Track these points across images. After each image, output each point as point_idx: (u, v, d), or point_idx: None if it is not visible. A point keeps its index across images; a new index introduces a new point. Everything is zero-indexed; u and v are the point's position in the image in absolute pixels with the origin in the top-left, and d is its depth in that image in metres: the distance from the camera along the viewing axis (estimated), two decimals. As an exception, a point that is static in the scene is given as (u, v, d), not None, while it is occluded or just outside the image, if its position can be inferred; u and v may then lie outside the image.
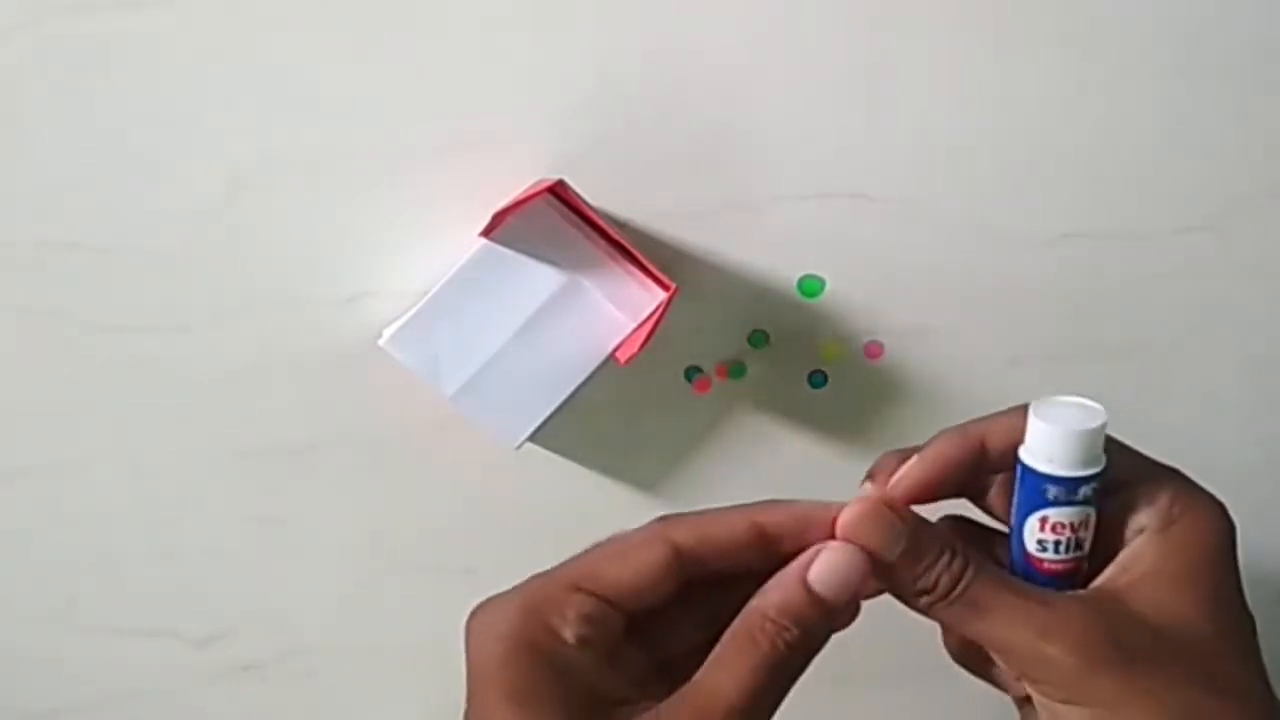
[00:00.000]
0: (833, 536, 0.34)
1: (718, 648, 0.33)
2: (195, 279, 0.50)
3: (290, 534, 0.54)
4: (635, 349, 0.46)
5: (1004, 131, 0.50)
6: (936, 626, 0.36)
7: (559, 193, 0.46)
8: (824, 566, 0.33)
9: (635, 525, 0.36)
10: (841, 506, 0.34)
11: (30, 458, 0.52)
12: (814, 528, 0.34)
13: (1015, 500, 0.35)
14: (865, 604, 0.36)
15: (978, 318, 0.52)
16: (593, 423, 0.53)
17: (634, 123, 0.49)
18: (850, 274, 0.51)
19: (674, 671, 0.33)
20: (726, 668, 0.32)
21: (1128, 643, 0.32)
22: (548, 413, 0.48)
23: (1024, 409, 0.34)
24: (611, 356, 0.48)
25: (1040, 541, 0.34)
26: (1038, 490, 0.34)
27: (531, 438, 0.48)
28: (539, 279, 0.48)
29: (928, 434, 0.36)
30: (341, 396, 0.52)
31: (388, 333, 0.48)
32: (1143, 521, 0.34)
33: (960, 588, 0.33)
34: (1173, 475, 0.35)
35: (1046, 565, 0.34)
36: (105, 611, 0.54)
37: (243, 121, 0.48)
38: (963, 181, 0.51)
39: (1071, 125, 0.50)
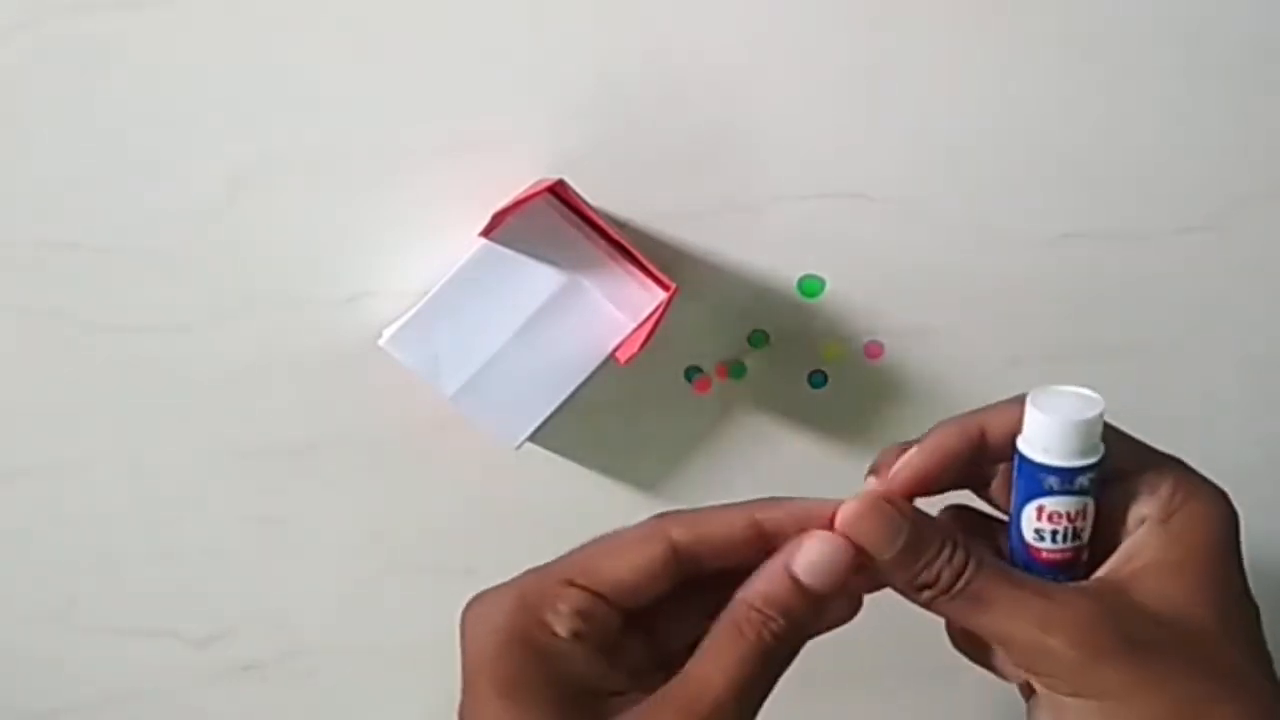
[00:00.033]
0: None
1: (705, 639, 0.33)
2: (195, 279, 0.50)
3: (290, 534, 0.54)
4: (635, 349, 0.46)
5: (1004, 131, 0.50)
6: (934, 628, 0.36)
7: (559, 193, 0.46)
8: (808, 556, 0.33)
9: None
10: (838, 504, 0.34)
11: (30, 458, 0.52)
12: (812, 525, 0.34)
13: (1013, 489, 0.35)
14: (864, 603, 0.36)
15: (978, 318, 0.52)
16: (593, 423, 0.53)
17: (634, 123, 0.49)
18: (850, 274, 0.52)
19: (674, 665, 0.33)
20: (713, 659, 0.32)
21: (1130, 634, 0.32)
22: (548, 413, 0.48)
23: (1024, 398, 0.34)
24: (611, 356, 0.48)
25: (1038, 531, 0.34)
26: (1035, 480, 0.34)
27: (531, 438, 0.48)
28: (539, 279, 0.48)
29: (928, 434, 0.36)
30: (341, 396, 0.52)
31: (388, 333, 0.48)
32: (1144, 511, 0.34)
33: (962, 582, 0.33)
34: (1174, 464, 0.35)
35: (1044, 555, 0.34)
36: (105, 611, 0.54)
37: (243, 121, 0.48)
38: (963, 181, 0.51)
39: (1071, 125, 0.50)
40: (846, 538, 0.34)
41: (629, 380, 0.51)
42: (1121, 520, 0.35)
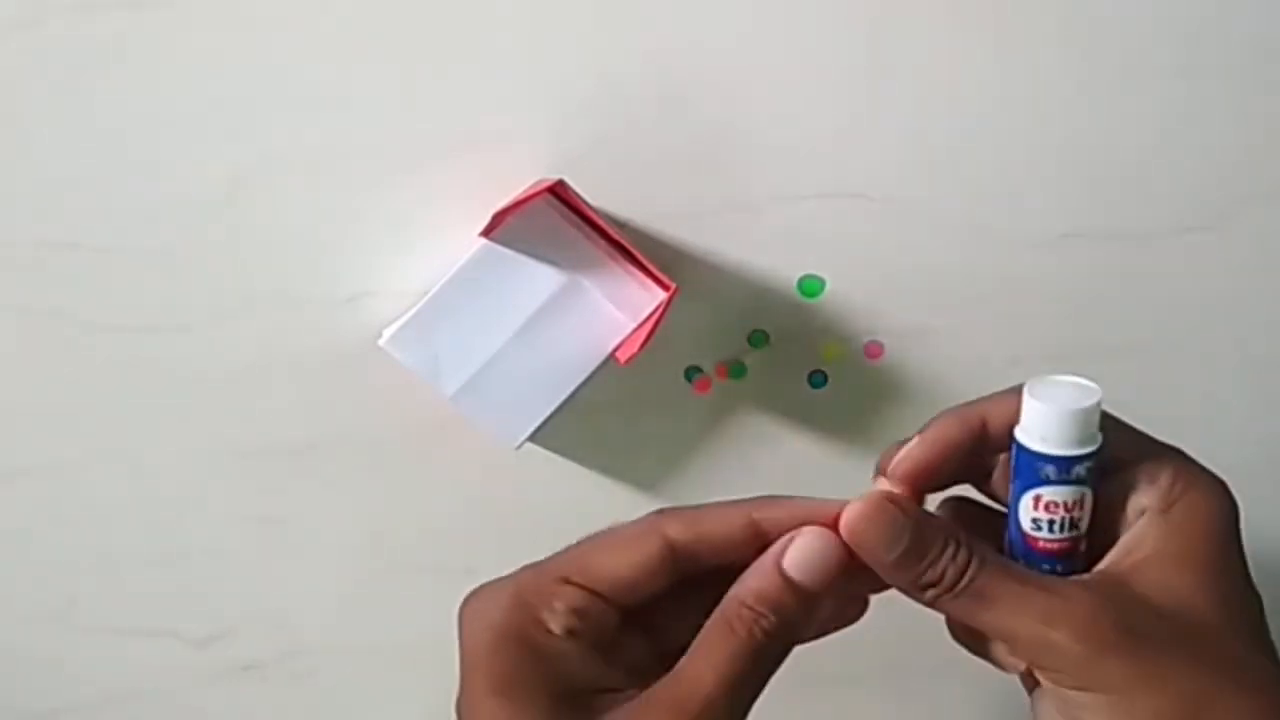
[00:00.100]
0: None
1: (697, 637, 0.33)
2: (195, 279, 0.50)
3: (290, 534, 0.54)
4: (635, 349, 0.46)
5: (1004, 131, 0.50)
6: (934, 627, 0.36)
7: (559, 193, 0.46)
8: (799, 552, 0.33)
9: (634, 524, 0.36)
10: (837, 504, 0.34)
11: (30, 458, 0.52)
12: (811, 524, 0.34)
13: (1011, 479, 0.35)
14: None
15: (978, 318, 0.52)
16: (593, 423, 0.53)
17: (634, 123, 0.49)
18: (850, 274, 0.51)
19: (673, 663, 0.33)
20: (704, 657, 0.32)
21: (1134, 627, 0.32)
22: (548, 413, 0.48)
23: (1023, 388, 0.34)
24: (611, 356, 0.48)
25: (1035, 520, 0.34)
26: (1032, 469, 0.34)
27: (531, 438, 0.48)
28: (539, 279, 0.48)
29: (928, 434, 0.36)
30: (341, 396, 0.52)
31: (388, 333, 0.48)
32: (1144, 502, 0.34)
33: (965, 580, 0.33)
34: (1173, 454, 0.35)
35: (1042, 544, 0.34)
36: (105, 611, 0.54)
37: (243, 121, 0.48)
38: (963, 181, 0.51)
39: (1071, 125, 0.50)
40: (846, 539, 0.34)
41: (629, 380, 0.51)
42: (1121, 510, 0.35)
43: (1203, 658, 0.32)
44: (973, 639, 0.36)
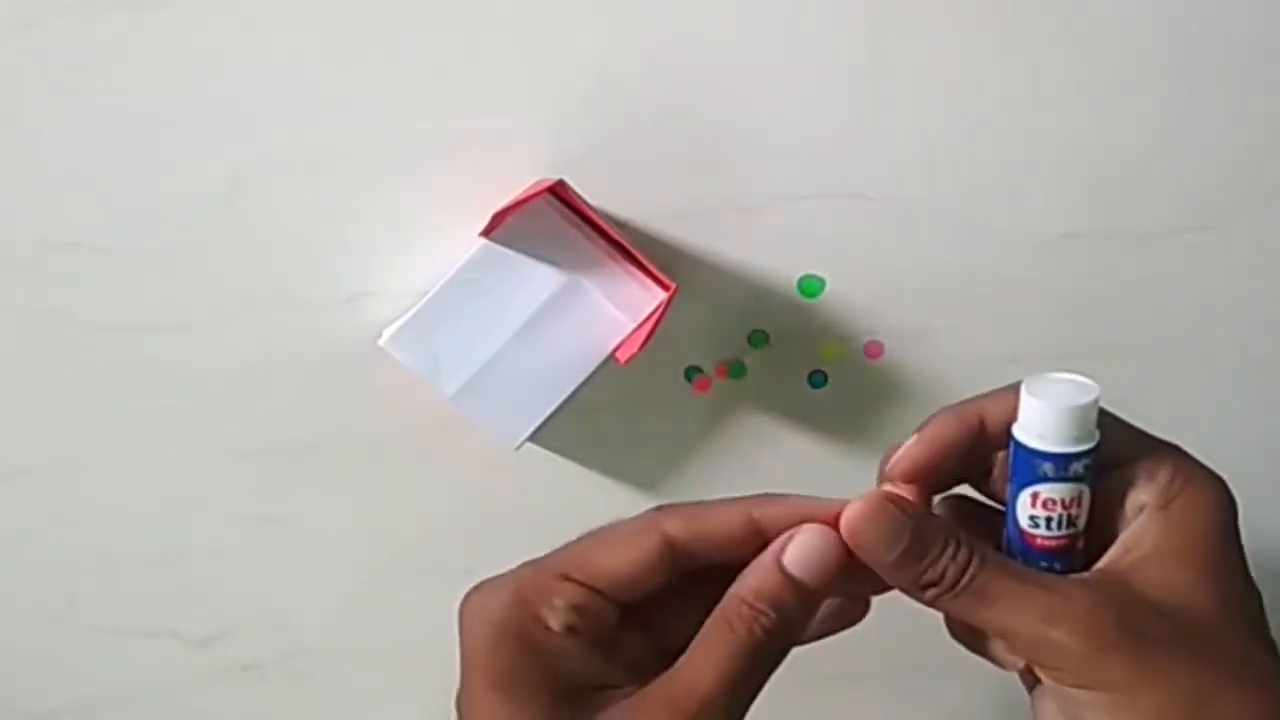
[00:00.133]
0: None
1: (697, 636, 0.33)
2: (195, 279, 0.50)
3: (290, 534, 0.54)
4: (635, 349, 0.46)
5: (1004, 131, 0.50)
6: (934, 626, 0.36)
7: (559, 193, 0.46)
8: (799, 549, 0.33)
9: (634, 524, 0.36)
10: (837, 503, 0.34)
11: (30, 458, 0.52)
12: (810, 523, 0.34)
13: (1009, 476, 0.35)
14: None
15: (978, 318, 0.52)
16: (593, 423, 0.53)
17: (634, 123, 0.49)
18: (850, 274, 0.51)
19: (673, 660, 0.33)
20: (704, 655, 0.33)
21: (1135, 624, 0.32)
22: (548, 413, 0.48)
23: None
24: (611, 356, 0.48)
25: (1032, 517, 0.34)
26: (1029, 466, 0.34)
27: (531, 438, 0.48)
28: (539, 279, 0.48)
29: (928, 434, 0.36)
30: (341, 396, 0.52)
31: (388, 333, 0.48)
32: (1142, 498, 0.34)
33: (966, 579, 0.33)
34: (1171, 450, 0.35)
35: (1039, 541, 0.34)
36: (105, 611, 0.54)
37: (243, 121, 0.48)
38: (963, 181, 0.51)
39: (1071, 125, 0.50)
40: (847, 539, 0.34)
41: (629, 380, 0.51)
42: (1120, 507, 0.35)
43: (1204, 654, 0.32)
44: (972, 637, 0.36)
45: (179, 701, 0.56)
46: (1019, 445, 0.34)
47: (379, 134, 0.48)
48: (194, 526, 0.53)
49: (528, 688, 0.33)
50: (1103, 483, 0.34)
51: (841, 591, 0.36)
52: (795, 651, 0.34)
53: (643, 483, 0.54)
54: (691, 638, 0.33)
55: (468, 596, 0.35)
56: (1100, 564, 0.34)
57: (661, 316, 0.46)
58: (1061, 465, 0.33)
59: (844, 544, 0.34)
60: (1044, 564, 0.34)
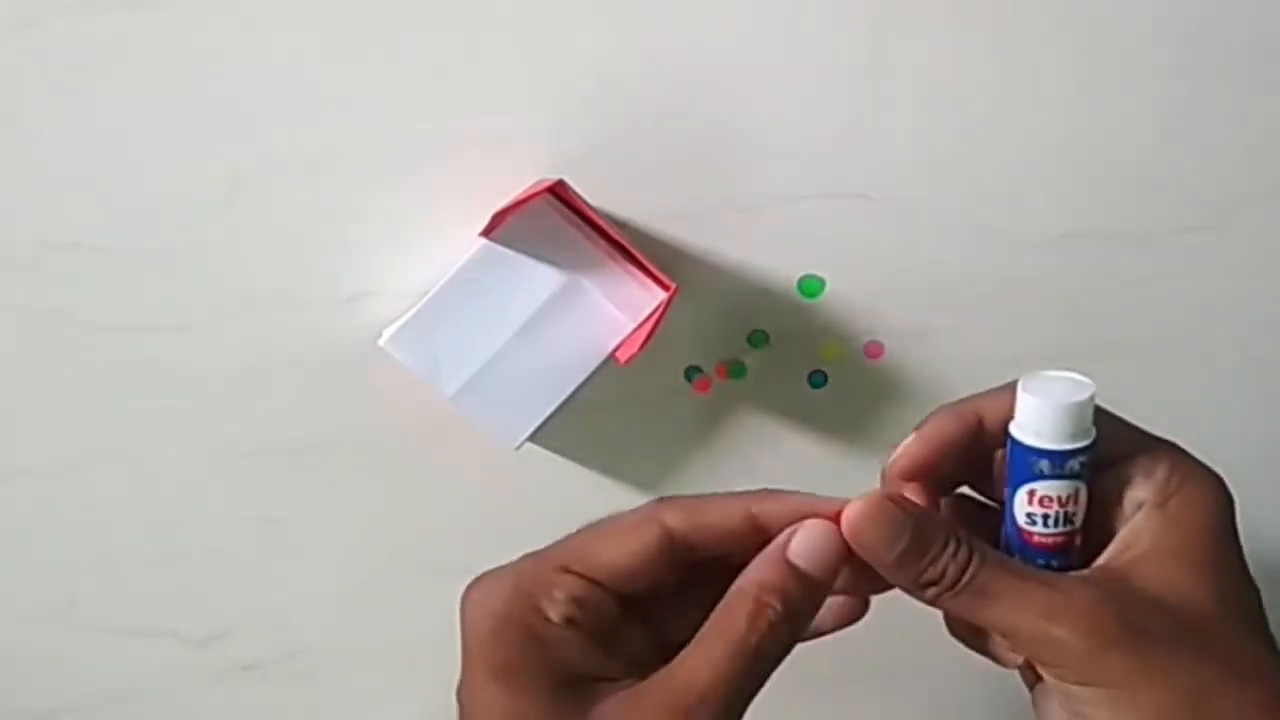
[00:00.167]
0: None
1: (701, 629, 0.33)
2: (195, 279, 0.50)
3: (290, 534, 0.54)
4: (635, 349, 0.46)
5: (1004, 131, 0.50)
6: (934, 626, 0.36)
7: (559, 193, 0.46)
8: (804, 543, 0.34)
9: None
10: (837, 501, 0.34)
11: (30, 458, 0.52)
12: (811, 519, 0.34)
13: (1006, 474, 0.35)
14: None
15: (978, 318, 0.52)
16: (593, 423, 0.53)
17: (634, 123, 0.49)
18: (850, 274, 0.52)
19: (673, 654, 0.34)
20: (705, 650, 0.33)
21: (1135, 621, 0.32)
22: (548, 413, 0.48)
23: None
24: (611, 356, 0.48)
25: (1029, 515, 0.34)
26: (1026, 464, 0.34)
27: (531, 438, 0.48)
28: (539, 279, 0.48)
29: (928, 434, 0.36)
30: (341, 396, 0.52)
31: (388, 333, 0.48)
32: (1140, 495, 0.34)
33: (966, 577, 0.33)
34: (1169, 447, 0.35)
35: (1037, 539, 0.34)
36: (105, 611, 0.54)
37: (243, 121, 0.48)
38: (963, 181, 0.51)
39: (1071, 125, 0.50)
40: (848, 538, 0.34)
41: (629, 380, 0.51)
42: (1118, 504, 0.35)
43: (1204, 651, 0.32)
44: (972, 635, 0.36)
45: (179, 701, 0.56)
46: (1016, 443, 0.34)
47: (379, 134, 0.48)
48: (194, 526, 0.53)
49: (528, 678, 0.33)
50: (1100, 480, 0.35)
51: (842, 589, 0.36)
52: (794, 651, 0.34)
53: (643, 483, 0.54)
54: (692, 634, 0.33)
55: (469, 588, 0.36)
56: (1099, 561, 0.34)
57: (661, 316, 0.46)
58: (1058, 462, 0.33)
59: (845, 543, 0.34)
60: (1041, 561, 0.34)
